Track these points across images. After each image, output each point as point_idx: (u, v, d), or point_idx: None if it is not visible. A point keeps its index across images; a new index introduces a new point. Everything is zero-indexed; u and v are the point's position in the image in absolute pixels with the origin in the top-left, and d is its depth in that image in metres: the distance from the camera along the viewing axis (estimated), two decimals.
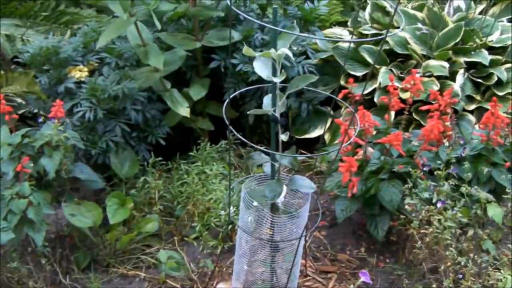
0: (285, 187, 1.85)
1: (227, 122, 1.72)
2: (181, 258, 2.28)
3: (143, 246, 2.35)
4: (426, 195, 2.07)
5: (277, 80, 1.68)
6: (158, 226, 2.34)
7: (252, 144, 1.74)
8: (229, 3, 2.69)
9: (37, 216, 2.01)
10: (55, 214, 2.26)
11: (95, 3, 2.28)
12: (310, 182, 1.88)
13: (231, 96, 1.85)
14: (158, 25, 2.32)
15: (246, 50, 1.66)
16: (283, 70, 1.69)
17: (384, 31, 2.85)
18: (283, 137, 1.77)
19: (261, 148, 1.74)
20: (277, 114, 1.76)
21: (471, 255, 2.00)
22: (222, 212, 2.34)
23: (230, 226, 2.34)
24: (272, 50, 1.66)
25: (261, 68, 1.75)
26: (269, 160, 1.84)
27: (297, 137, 2.85)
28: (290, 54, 1.65)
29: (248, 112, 1.72)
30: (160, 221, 2.38)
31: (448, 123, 2.34)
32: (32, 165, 2.10)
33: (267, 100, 1.82)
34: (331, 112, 2.78)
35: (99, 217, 2.22)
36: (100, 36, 2.32)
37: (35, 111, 2.60)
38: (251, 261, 2.04)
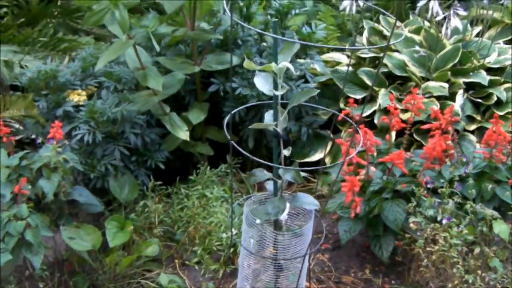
0: (288, 204, 1.82)
1: (228, 136, 1.70)
2: (182, 282, 2.24)
3: (143, 271, 2.29)
4: (431, 212, 2.05)
5: (278, 93, 1.67)
6: (159, 250, 2.29)
7: (255, 158, 1.72)
8: (228, 28, 2.72)
9: (35, 238, 1.97)
10: (53, 239, 2.22)
11: (94, 25, 2.28)
12: (313, 199, 1.85)
13: (233, 112, 1.83)
14: (157, 47, 2.32)
15: (247, 63, 1.65)
16: (284, 85, 1.68)
17: (381, 54, 2.86)
18: (286, 152, 1.75)
19: (263, 162, 1.71)
20: (279, 129, 1.74)
21: (479, 272, 1.97)
22: (224, 235, 2.30)
23: (232, 249, 2.30)
24: (273, 64, 1.66)
25: (262, 84, 1.74)
26: (271, 177, 1.81)
27: (297, 161, 2.83)
28: (292, 68, 1.64)
29: (250, 127, 1.70)
30: (161, 246, 2.34)
31: (449, 142, 2.33)
32: (30, 187, 2.07)
33: (268, 116, 1.80)
34: (331, 136, 2.77)
35: (98, 241, 2.18)
36: (99, 58, 2.31)
37: (33, 136, 2.58)
38: (254, 282, 2.00)
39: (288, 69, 1.62)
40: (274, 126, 1.73)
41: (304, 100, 1.69)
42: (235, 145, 1.77)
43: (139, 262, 2.30)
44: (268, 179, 1.86)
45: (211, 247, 2.33)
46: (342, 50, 3.08)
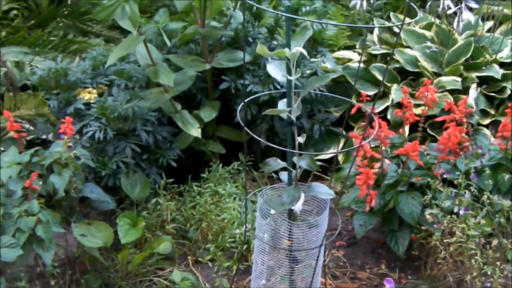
0: (303, 194, 1.79)
1: (242, 124, 1.68)
2: (195, 279, 2.20)
3: (156, 269, 2.27)
4: (448, 203, 2.01)
5: (292, 78, 1.65)
6: (171, 247, 2.27)
7: (269, 143, 1.70)
8: (238, 26, 2.70)
9: (46, 234, 1.95)
10: (65, 237, 2.20)
11: (105, 20, 2.27)
12: (328, 189, 1.82)
13: (247, 99, 1.80)
14: (168, 42, 2.31)
15: (260, 48, 1.63)
16: (298, 69, 1.66)
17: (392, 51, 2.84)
18: (300, 139, 1.72)
19: (278, 147, 1.69)
20: (293, 116, 1.72)
21: (498, 263, 1.92)
22: (237, 231, 2.27)
23: (245, 246, 2.27)
24: (286, 49, 1.64)
25: (275, 71, 1.73)
26: (285, 166, 1.79)
27: None
28: (305, 53, 1.62)
29: (263, 113, 1.67)
30: (173, 243, 2.31)
31: (464, 135, 2.30)
32: (41, 183, 2.05)
33: (282, 104, 1.78)
34: (343, 132, 2.74)
35: (110, 238, 2.15)
36: (110, 54, 2.30)
37: (44, 137, 2.57)
38: (269, 277, 1.97)
39: (302, 56, 1.60)
40: (288, 113, 1.71)
41: (319, 85, 1.67)
42: (248, 131, 1.74)
43: (151, 260, 2.27)
44: (283, 169, 1.83)
45: (224, 244, 2.31)
46: (352, 47, 3.06)
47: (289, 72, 1.67)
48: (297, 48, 1.63)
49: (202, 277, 2.23)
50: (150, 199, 2.44)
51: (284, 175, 1.84)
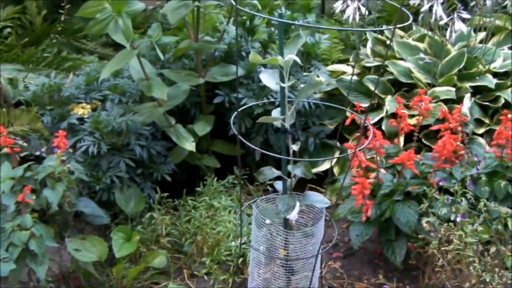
0: (298, 203, 1.78)
1: (235, 133, 1.67)
2: None
3: (151, 284, 2.24)
4: (444, 211, 2.00)
5: (285, 85, 1.65)
6: (166, 261, 2.24)
7: (263, 151, 1.69)
8: (232, 40, 2.71)
9: (39, 248, 1.93)
10: (59, 252, 2.18)
11: (98, 33, 2.27)
12: (323, 197, 1.82)
13: (242, 108, 1.80)
14: (161, 56, 2.31)
15: (253, 56, 1.63)
16: (291, 76, 1.66)
17: (386, 62, 2.85)
18: (294, 147, 1.72)
19: (271, 154, 1.68)
20: (287, 125, 1.71)
21: (496, 270, 1.91)
22: (233, 243, 2.25)
23: (241, 259, 2.25)
24: (279, 57, 1.64)
25: (268, 80, 1.73)
26: (280, 174, 1.78)
27: None
28: (298, 60, 1.63)
29: (258, 120, 1.67)
30: (168, 257, 2.29)
31: (459, 143, 2.30)
32: (34, 197, 2.04)
33: (275, 112, 1.77)
34: (338, 145, 2.73)
35: (104, 252, 2.13)
36: (104, 68, 2.30)
37: (38, 153, 2.55)
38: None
39: (295, 69, 1.60)
40: (282, 121, 1.70)
41: (313, 91, 1.66)
42: (242, 139, 1.73)
43: (146, 275, 2.25)
44: (277, 179, 1.83)
45: (220, 258, 2.28)
46: (346, 60, 3.07)
47: (282, 80, 1.67)
48: (290, 56, 1.63)
49: None
50: (144, 213, 2.42)
51: (279, 184, 1.83)
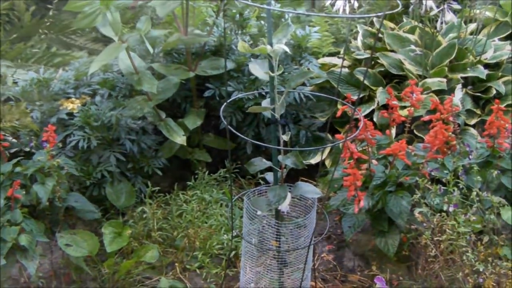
0: (289, 194, 1.77)
1: (224, 122, 1.66)
2: (184, 286, 2.16)
3: (143, 278, 2.23)
4: (437, 200, 1.99)
5: (275, 74, 1.63)
6: (158, 255, 2.23)
7: (253, 141, 1.67)
8: (222, 34, 2.70)
9: (30, 243, 1.92)
10: (50, 248, 2.17)
11: (86, 27, 2.25)
12: (315, 188, 1.81)
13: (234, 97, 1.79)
14: (151, 49, 2.29)
15: (241, 45, 1.62)
16: (280, 66, 1.65)
17: (377, 54, 2.84)
18: (284, 137, 1.71)
19: (262, 144, 1.66)
20: (277, 115, 1.70)
21: (490, 259, 1.90)
22: (225, 237, 2.24)
23: (233, 252, 2.24)
24: (268, 46, 1.63)
25: (257, 70, 1.72)
26: (271, 165, 1.76)
27: None
28: (287, 49, 1.61)
29: (247, 110, 1.66)
30: (160, 252, 2.27)
31: (451, 133, 2.29)
32: (23, 192, 2.02)
33: (266, 103, 1.76)
34: (330, 137, 2.72)
35: (95, 247, 2.12)
36: (93, 62, 2.28)
37: (27, 149, 2.53)
38: (258, 281, 1.94)
39: (286, 62, 1.59)
40: (271, 110, 1.69)
41: (303, 80, 1.65)
42: (232, 129, 1.72)
43: (138, 269, 2.23)
44: (268, 170, 1.81)
45: (212, 251, 2.27)
46: (337, 53, 3.06)
47: (271, 69, 1.66)
48: (279, 45, 1.62)
49: (190, 284, 2.19)
50: (136, 208, 2.41)
51: (269, 176, 1.82)
